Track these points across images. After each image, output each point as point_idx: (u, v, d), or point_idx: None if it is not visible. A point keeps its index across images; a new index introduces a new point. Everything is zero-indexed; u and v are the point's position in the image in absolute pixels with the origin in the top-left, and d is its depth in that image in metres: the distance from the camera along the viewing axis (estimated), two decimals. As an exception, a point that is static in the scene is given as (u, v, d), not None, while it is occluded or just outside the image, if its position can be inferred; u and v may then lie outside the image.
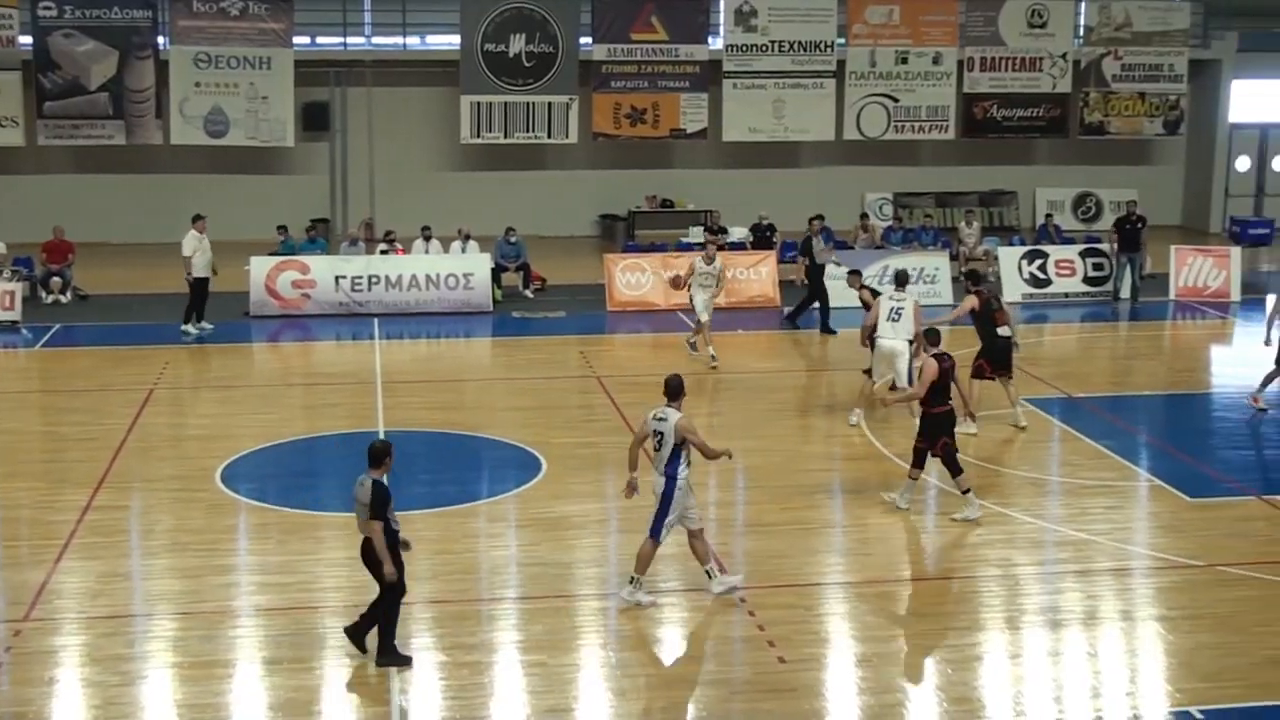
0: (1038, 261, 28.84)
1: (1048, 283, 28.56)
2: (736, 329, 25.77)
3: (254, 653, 12.28)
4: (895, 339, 18.89)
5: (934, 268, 28.31)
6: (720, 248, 25.26)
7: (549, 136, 34.62)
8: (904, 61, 35.48)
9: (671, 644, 12.55)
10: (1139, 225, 28.35)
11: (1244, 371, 23.46)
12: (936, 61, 35.64)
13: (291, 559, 14.42)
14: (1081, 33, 36.71)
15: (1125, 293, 28.05)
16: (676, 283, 24.22)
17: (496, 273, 27.92)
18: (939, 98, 35.82)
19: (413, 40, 35.91)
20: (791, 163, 36.82)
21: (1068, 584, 13.91)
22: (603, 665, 12.08)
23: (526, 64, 34.11)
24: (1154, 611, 13.35)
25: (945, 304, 27.27)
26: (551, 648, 12.31)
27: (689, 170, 36.34)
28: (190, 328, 24.66)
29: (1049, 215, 34.76)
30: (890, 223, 32.87)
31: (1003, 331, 19.11)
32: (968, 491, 15.46)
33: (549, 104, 34.30)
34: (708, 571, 13.37)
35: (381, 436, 18.43)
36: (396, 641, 11.94)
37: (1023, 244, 30.49)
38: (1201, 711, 11.18)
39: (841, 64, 35.20)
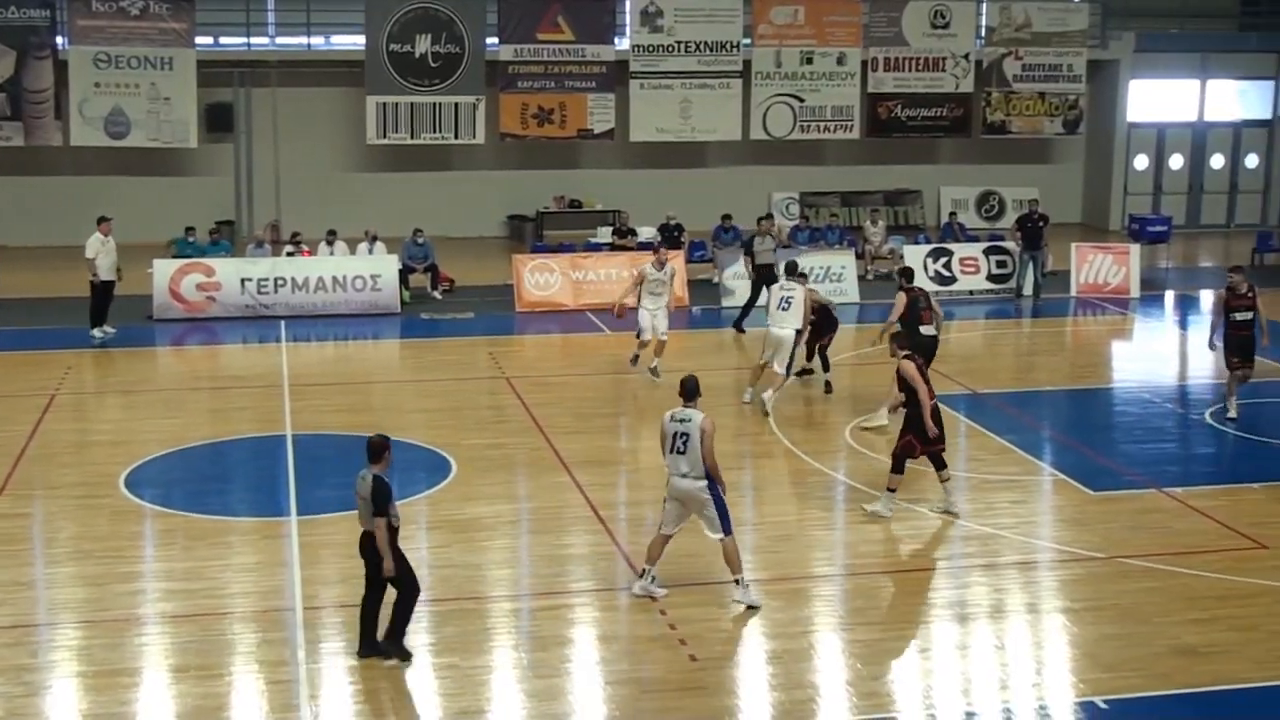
0: (942, 259, 29.17)
1: (952, 280, 28.88)
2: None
3: (160, 660, 12.14)
4: (784, 329, 19.52)
5: (840, 266, 28.53)
6: (656, 250, 22.61)
7: (456, 137, 34.49)
8: (809, 62, 35.73)
9: (583, 644, 12.55)
10: (1041, 223, 28.77)
11: (1144, 367, 23.96)
12: (841, 62, 35.93)
13: (198, 565, 14.26)
14: (983, 33, 37.17)
15: (1028, 290, 28.44)
16: (621, 311, 21.83)
17: (404, 274, 27.77)
18: (844, 98, 36.11)
19: (317, 40, 35.62)
20: (698, 163, 36.96)
21: (974, 578, 14.09)
22: (515, 666, 12.06)
23: (433, 64, 33.96)
24: (1059, 604, 13.56)
25: (851, 301, 27.56)
26: (463, 650, 12.27)
27: (597, 170, 36.36)
28: (97, 332, 24.30)
29: (953, 213, 35.21)
30: (796, 221, 33.07)
31: (926, 330, 19.29)
32: (893, 491, 15.54)
33: (455, 104, 34.17)
34: (644, 571, 13.35)
35: (289, 436, 18.32)
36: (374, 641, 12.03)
37: (927, 242, 30.85)
38: (1105, 701, 11.37)
39: (747, 64, 35.38)
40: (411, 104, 33.96)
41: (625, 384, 22.20)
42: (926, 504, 16.06)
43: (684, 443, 12.92)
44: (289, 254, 27.89)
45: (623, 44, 35.24)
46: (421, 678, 11.86)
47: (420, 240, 28.75)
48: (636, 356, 21.52)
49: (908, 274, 20.44)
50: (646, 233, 30.85)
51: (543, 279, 27.68)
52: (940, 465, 15.62)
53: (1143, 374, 23.19)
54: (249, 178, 35.25)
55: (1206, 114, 39.37)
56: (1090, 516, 15.85)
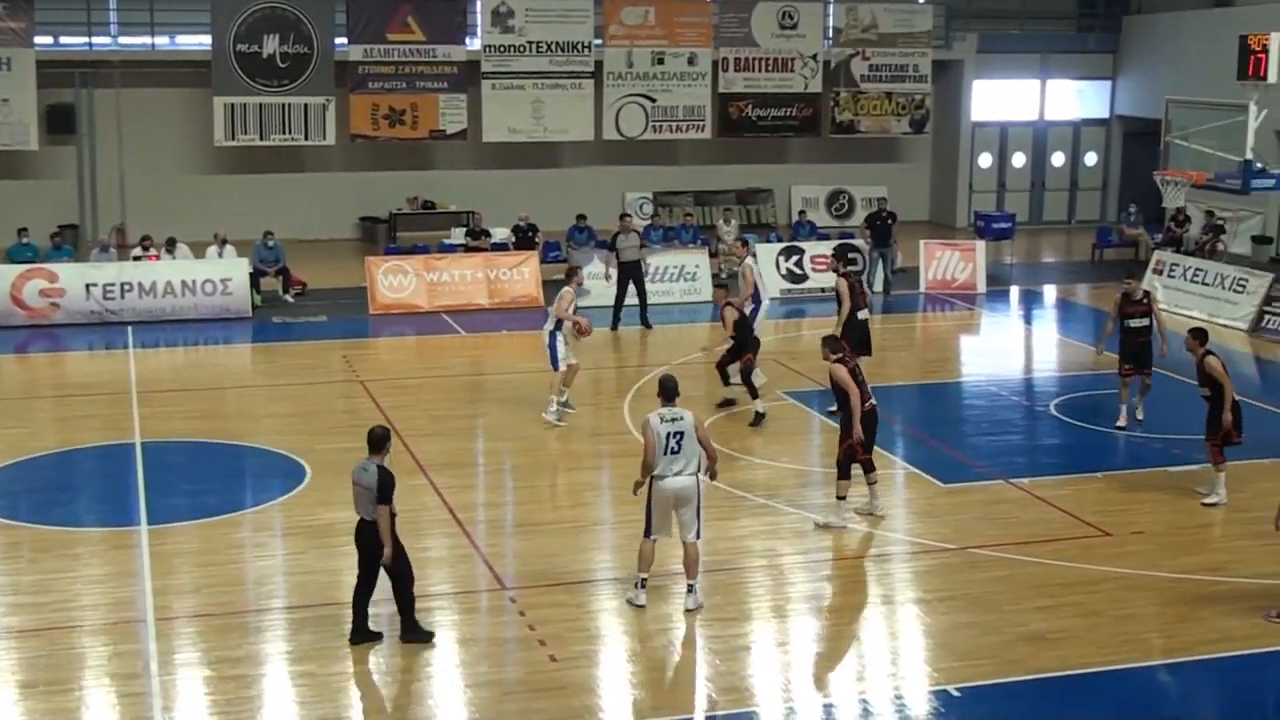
0: (794, 257, 29.51)
1: (804, 278, 29.23)
2: (500, 329, 25.79)
3: (7, 676, 11.83)
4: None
5: (694, 265, 28.73)
6: (574, 274, 20.42)
7: (306, 138, 34.08)
8: (660, 62, 35.93)
9: (443, 647, 12.49)
10: (889, 221, 29.25)
11: (991, 361, 24.48)
12: (692, 62, 36.18)
13: (45, 578, 13.93)
14: (830, 34, 37.68)
15: (878, 286, 28.86)
16: (583, 329, 19.56)
17: (255, 277, 27.38)
18: (695, 98, 36.36)
19: (162, 40, 34.90)
20: (552, 163, 36.96)
21: (830, 571, 14.30)
22: (374, 672, 11.98)
23: (281, 64, 33.51)
24: (912, 595, 13.82)
25: (704, 300, 27.76)
26: (320, 657, 12.15)
27: (450, 171, 36.17)
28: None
29: (803, 212, 35.69)
30: (649, 221, 33.22)
31: (861, 315, 19.86)
32: (843, 499, 15.41)
33: (305, 105, 33.76)
34: (641, 581, 13.24)
35: (138, 444, 18.01)
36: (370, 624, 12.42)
37: (779, 240, 31.18)
38: (958, 689, 11.62)
39: (599, 64, 35.47)
40: (260, 105, 33.48)
41: (482, 385, 22.16)
42: (784, 500, 16.26)
43: (679, 441, 12.97)
44: (136, 258, 27.35)
45: (474, 44, 35.10)
46: (278, 686, 11.72)
47: (271, 243, 28.37)
48: (565, 398, 19.63)
49: (849, 259, 20.80)
50: (501, 234, 30.78)
51: (396, 281, 27.48)
52: (869, 468, 15.56)
53: (989, 368, 23.69)
54: (92, 181, 34.44)
55: (1047, 113, 40.34)
56: (941, 508, 16.17)
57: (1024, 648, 12.41)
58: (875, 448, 15.67)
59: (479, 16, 34.90)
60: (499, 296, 27.69)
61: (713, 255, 30.33)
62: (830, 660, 12.47)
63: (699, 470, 13.14)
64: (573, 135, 35.77)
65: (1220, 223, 32.55)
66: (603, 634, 12.80)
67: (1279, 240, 33.99)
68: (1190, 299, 27.74)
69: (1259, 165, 21.11)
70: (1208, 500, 16.23)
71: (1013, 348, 26.38)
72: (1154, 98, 30.21)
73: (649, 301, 26.14)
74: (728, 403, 19.87)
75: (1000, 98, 39.76)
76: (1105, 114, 40.55)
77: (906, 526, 15.58)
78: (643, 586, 13.23)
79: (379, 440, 12.26)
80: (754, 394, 19.40)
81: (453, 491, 16.49)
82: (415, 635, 12.40)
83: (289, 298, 28.11)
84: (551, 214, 32.58)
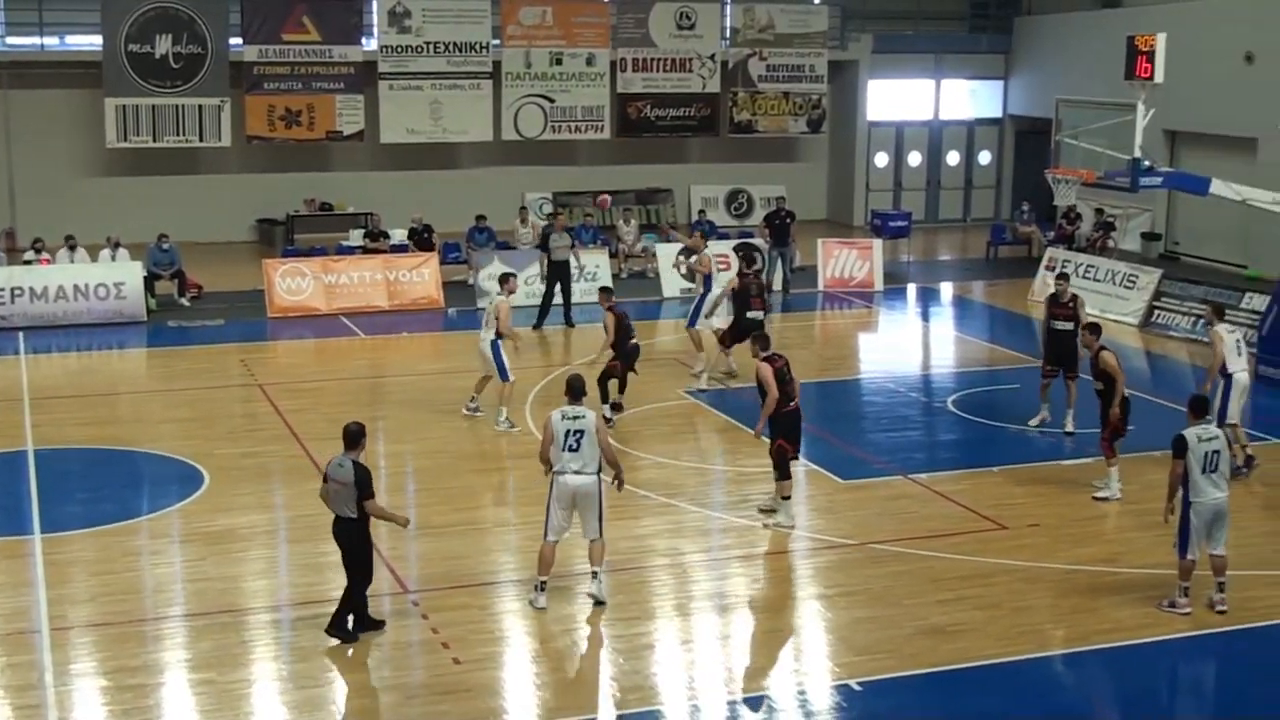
0: (694, 257, 29.45)
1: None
2: (400, 331, 25.66)
3: (-102, 691, 11.61)
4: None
5: (594, 265, 28.75)
6: (507, 281, 19.90)
7: (201, 140, 33.66)
8: (558, 62, 35.92)
9: (346, 652, 12.42)
10: (788, 220, 29.46)
11: (889, 357, 24.74)
12: (590, 62, 36.22)
13: (-64, 589, 13.67)
14: (728, 34, 37.89)
15: (777, 285, 29.06)
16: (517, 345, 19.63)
17: (150, 281, 27.01)
18: (594, 98, 36.40)
19: (51, 40, 34.31)
20: (451, 164, 36.82)
21: (733, 569, 14.40)
22: (275, 679, 11.88)
23: (174, 65, 33.07)
24: (813, 590, 13.95)
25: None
26: (220, 664, 12.03)
27: (348, 173, 35.90)
28: None
29: (702, 211, 35.87)
30: (547, 221, 33.16)
31: (754, 315, 20.70)
32: (787, 499, 15.50)
33: (199, 106, 33.35)
34: (541, 584, 13.32)
35: (30, 452, 17.74)
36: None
37: (679, 240, 31.24)
38: (859, 684, 11.75)
39: (497, 65, 35.39)
40: (153, 106, 33.02)
41: (382, 388, 22.03)
42: (686, 498, 16.34)
43: (578, 440, 13.04)
44: (27, 262, 26.86)
45: (370, 44, 34.88)
46: (177, 695, 11.59)
47: (166, 246, 28.00)
48: (476, 403, 19.57)
49: (749, 259, 21.87)
50: (399, 235, 30.61)
51: (295, 283, 27.24)
52: (785, 474, 15.57)
53: (888, 365, 23.94)
54: (-20, 184, 33.84)
55: (941, 113, 40.87)
56: (841, 505, 16.33)
57: (923, 641, 12.57)
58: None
59: (375, 17, 34.68)
60: (398, 298, 27.55)
61: (613, 255, 30.37)
62: (733, 657, 12.55)
63: (599, 471, 13.18)
64: (471, 136, 35.66)
65: (1110, 220, 33.17)
66: (507, 635, 12.79)
67: (1168, 236, 34.70)
68: (1082, 295, 28.17)
69: (1147, 163, 21.49)
70: (1099, 495, 16.53)
71: (910, 345, 26.69)
72: (1045, 97, 30.71)
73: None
74: (615, 406, 19.63)
75: (895, 97, 40.21)
76: (998, 113, 41.14)
77: (807, 523, 15.71)
78: (542, 589, 13.25)
79: (354, 436, 12.45)
80: (605, 398, 19.22)
81: (354, 495, 16.35)
82: (340, 632, 12.46)
83: (185, 301, 27.75)
84: (451, 215, 32.50)
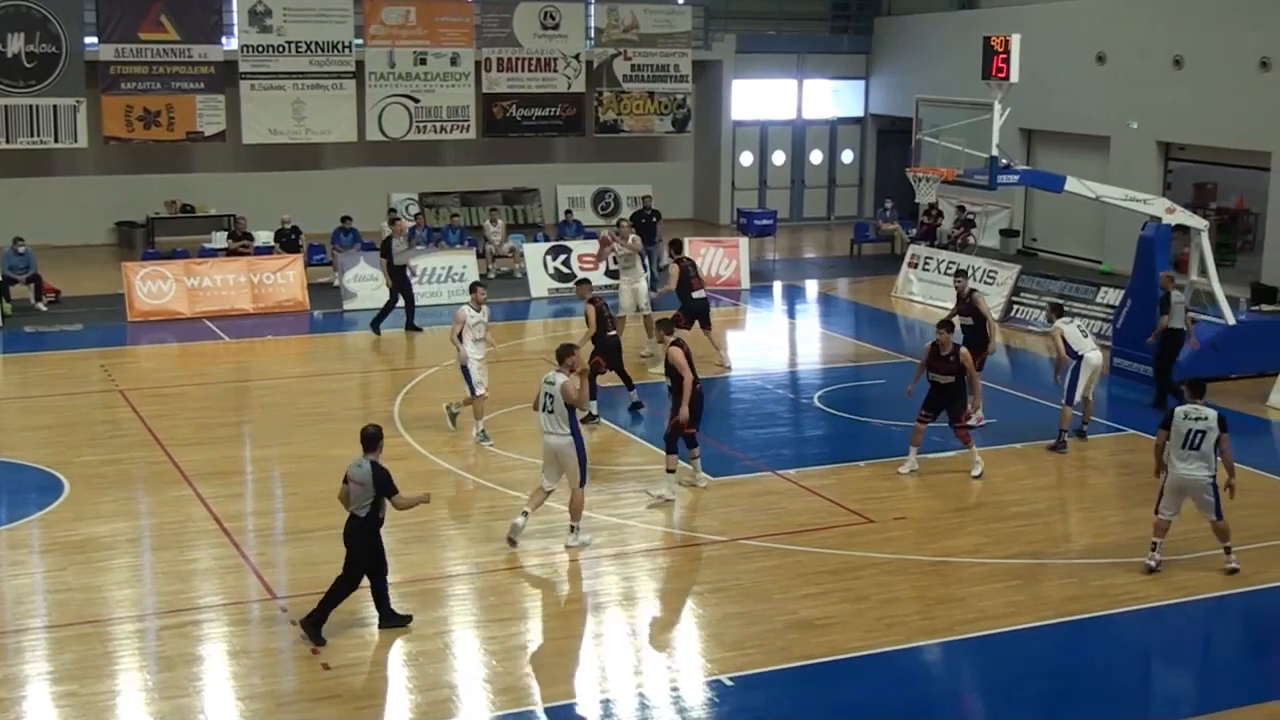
0: (561, 256, 29.64)
1: (572, 276, 29.29)
2: (265, 334, 25.34)
3: None
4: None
5: (461, 266, 28.63)
6: (474, 290, 19.13)
7: (56, 140, 32.92)
8: (423, 62, 35.71)
9: (214, 660, 12.25)
10: (654, 219, 29.57)
11: (756, 355, 24.93)
12: (455, 62, 36.05)
13: None
14: (592, 34, 37.94)
15: (644, 284, 29.15)
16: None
17: (4, 285, 26.37)
18: (459, 98, 36.25)
19: (-104, 39, 33.38)
20: (315, 164, 36.44)
21: (605, 568, 14.42)
22: (141, 689, 11.66)
23: (27, 64, 32.30)
24: (684, 587, 14.04)
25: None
26: (83, 676, 11.78)
27: (210, 174, 35.37)
28: None
29: (569, 211, 35.85)
30: (414, 222, 32.96)
31: (698, 295, 22.03)
32: (671, 472, 16.26)
33: (54, 107, 32.61)
34: (526, 514, 14.73)
35: None
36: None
37: (546, 240, 31.28)
38: (731, 679, 11.85)
39: (360, 65, 35.09)
40: (5, 106, 32.23)
41: (247, 392, 21.75)
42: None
43: (550, 402, 14.35)
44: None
45: (231, 44, 34.38)
46: (40, 708, 11.33)
47: (21, 249, 27.36)
48: (455, 416, 18.97)
49: (676, 245, 22.54)
50: (264, 237, 30.22)
51: (156, 287, 26.76)
52: (692, 443, 16.51)
53: (755, 362, 24.12)
54: None
55: (805, 112, 41.32)
56: (711, 502, 16.45)
57: (793, 635, 12.71)
58: (644, 441, 15.92)
59: (235, 16, 34.18)
60: (263, 301, 27.20)
61: (480, 256, 30.27)
62: (606, 656, 12.58)
63: (578, 427, 14.51)
64: (335, 136, 35.31)
65: (970, 217, 33.79)
66: (377, 640, 12.69)
67: (1026, 233, 35.44)
68: (944, 290, 28.69)
69: (1004, 161, 21.91)
70: (975, 473, 17.21)
71: (777, 342, 26.94)
72: (905, 97, 31.12)
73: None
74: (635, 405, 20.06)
75: (759, 97, 40.58)
76: (860, 112, 41.70)
77: (677, 520, 15.80)
78: (573, 531, 14.75)
79: (372, 439, 12.72)
80: (594, 394, 19.16)
81: (219, 501, 16.15)
82: (394, 620, 12.73)
83: (42, 306, 27.13)
84: (316, 216, 32.17)
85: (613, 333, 19.79)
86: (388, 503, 12.67)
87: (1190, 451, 13.92)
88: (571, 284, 28.98)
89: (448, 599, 13.51)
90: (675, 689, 11.79)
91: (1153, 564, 14.18)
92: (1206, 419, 13.90)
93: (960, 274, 20.78)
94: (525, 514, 14.79)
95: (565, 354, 14.67)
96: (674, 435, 16.25)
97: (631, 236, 23.94)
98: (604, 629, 13.04)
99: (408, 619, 12.83)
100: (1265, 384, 21.27)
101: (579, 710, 11.44)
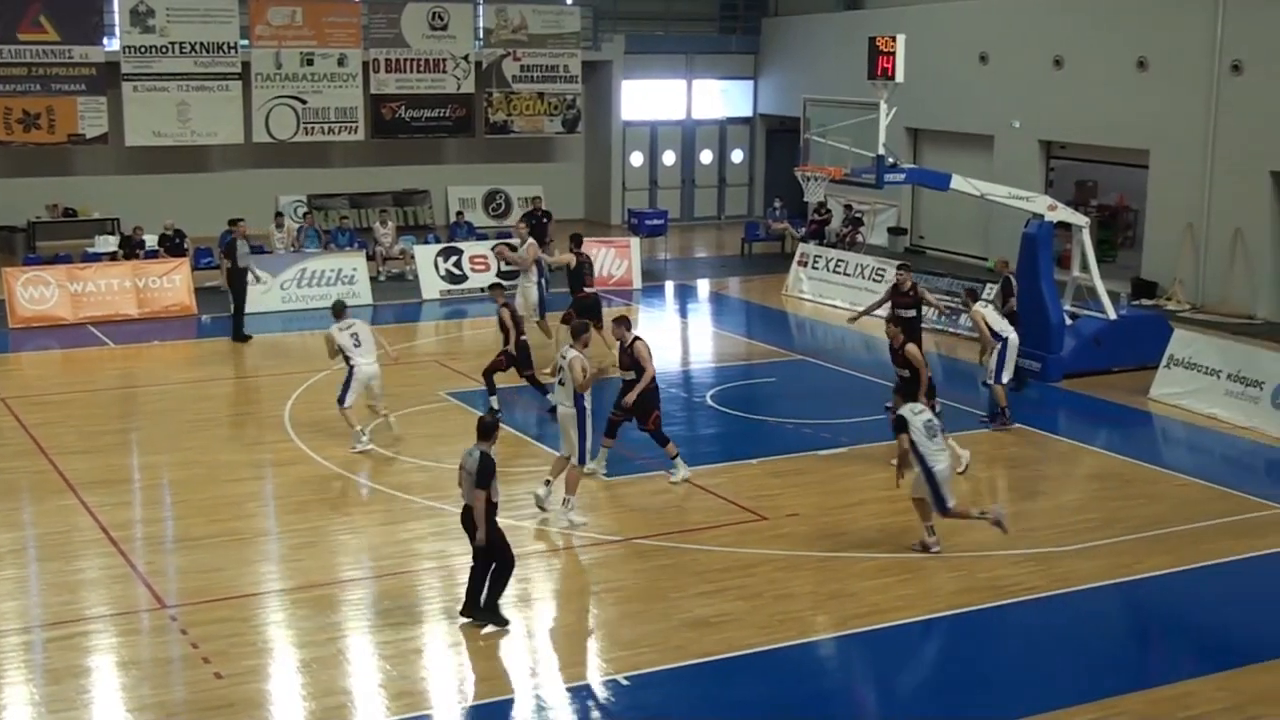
0: (453, 258, 29.53)
1: (463, 278, 29.29)
2: (151, 340, 24.98)
3: None
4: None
5: (351, 268, 28.43)
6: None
7: (-69, 143, 32.27)
8: (310, 63, 35.40)
9: (103, 672, 12.06)
10: (545, 220, 29.56)
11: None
12: (342, 63, 35.79)
13: None
14: (481, 35, 37.84)
15: (537, 285, 29.11)
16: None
17: (-121, 293, 25.77)
18: (347, 99, 35.98)
19: None
20: (202, 167, 35.99)
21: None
22: (28, 703, 11.44)
23: (-100, 66, 31.63)
24: (580, 587, 14.07)
25: (365, 304, 27.53)
26: (-25, 691, 11.56)
27: (93, 177, 34.78)
28: None
29: (460, 213, 35.74)
30: (301, 224, 32.68)
31: (590, 291, 22.36)
32: (676, 456, 17.04)
33: (-71, 109, 31.96)
34: (566, 501, 15.39)
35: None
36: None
37: (437, 241, 31.16)
38: (627, 678, 11.89)
39: (246, 65, 34.70)
40: (-122, 109, 31.54)
41: (134, 398, 21.43)
42: (451, 500, 16.29)
43: (562, 375, 15.49)
44: None
45: (112, 44, 33.84)
46: (-77, 725, 11.10)
47: (-104, 256, 26.74)
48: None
49: (577, 239, 23.03)
50: (149, 240, 29.76)
51: (37, 293, 26.28)
52: (612, 434, 17.10)
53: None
54: None
55: (694, 112, 41.54)
56: (605, 502, 16.49)
57: (689, 633, 12.78)
58: (540, 444, 15.93)
59: (117, 16, 33.64)
60: (149, 306, 26.81)
61: (370, 258, 30.07)
62: (503, 658, 12.56)
63: (585, 401, 15.40)
64: (222, 138, 34.90)
65: (859, 215, 34.17)
66: (270, 647, 12.58)
67: (913, 231, 35.90)
68: (833, 289, 29.05)
69: (890, 160, 22.17)
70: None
71: (669, 341, 27.02)
72: (793, 96, 31.40)
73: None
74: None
75: (649, 97, 40.73)
76: (749, 112, 42.00)
77: (573, 520, 15.80)
78: (565, 504, 15.48)
79: (487, 428, 12.99)
80: (491, 389, 19.78)
81: (106, 510, 15.90)
82: (491, 616, 12.85)
83: (-82, 313, 26.55)
84: (203, 219, 31.77)
85: (524, 336, 19.95)
86: (500, 488, 12.95)
87: (934, 440, 14.54)
88: (462, 286, 29.04)
89: (341, 604, 13.41)
90: (571, 689, 11.80)
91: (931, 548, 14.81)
92: (924, 411, 14.79)
93: (903, 267, 21.25)
94: (548, 482, 15.77)
95: (580, 331, 15.89)
96: (617, 423, 17.01)
97: (524, 247, 23.32)
98: (499, 631, 13.00)
99: (505, 622, 12.88)
100: (1146, 377, 21.73)
101: (475, 714, 11.42)
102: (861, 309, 21.72)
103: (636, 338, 16.90)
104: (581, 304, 22.12)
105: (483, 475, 12.58)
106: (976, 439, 18.84)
